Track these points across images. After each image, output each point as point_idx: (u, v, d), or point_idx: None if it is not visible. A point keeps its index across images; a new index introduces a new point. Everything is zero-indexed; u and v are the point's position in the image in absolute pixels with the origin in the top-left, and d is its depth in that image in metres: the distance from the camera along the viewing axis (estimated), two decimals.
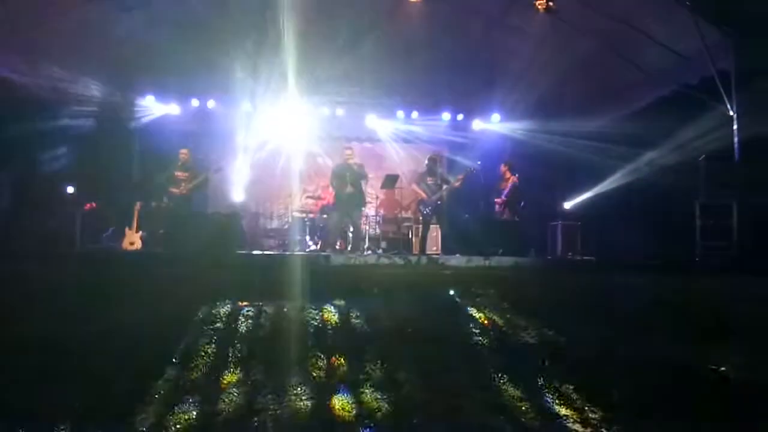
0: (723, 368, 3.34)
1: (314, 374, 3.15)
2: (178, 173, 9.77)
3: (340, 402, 2.80)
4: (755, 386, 3.18)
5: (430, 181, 10.01)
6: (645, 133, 9.45)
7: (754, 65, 7.72)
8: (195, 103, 12.27)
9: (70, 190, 10.87)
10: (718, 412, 2.85)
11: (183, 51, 10.30)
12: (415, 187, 10.38)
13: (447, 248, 10.27)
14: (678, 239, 8.54)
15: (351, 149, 10.00)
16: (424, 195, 9.97)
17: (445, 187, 9.94)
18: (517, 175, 10.32)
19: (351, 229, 10.26)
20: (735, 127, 8.10)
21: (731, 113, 8.16)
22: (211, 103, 12.27)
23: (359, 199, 9.84)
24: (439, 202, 9.96)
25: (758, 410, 2.90)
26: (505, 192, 10.28)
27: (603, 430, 2.54)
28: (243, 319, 4.36)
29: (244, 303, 4.78)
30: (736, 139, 8.06)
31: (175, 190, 9.67)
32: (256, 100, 12.08)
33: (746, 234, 7.70)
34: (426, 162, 10.35)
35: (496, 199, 10.42)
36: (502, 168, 10.55)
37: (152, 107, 12.12)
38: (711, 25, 8.09)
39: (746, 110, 7.96)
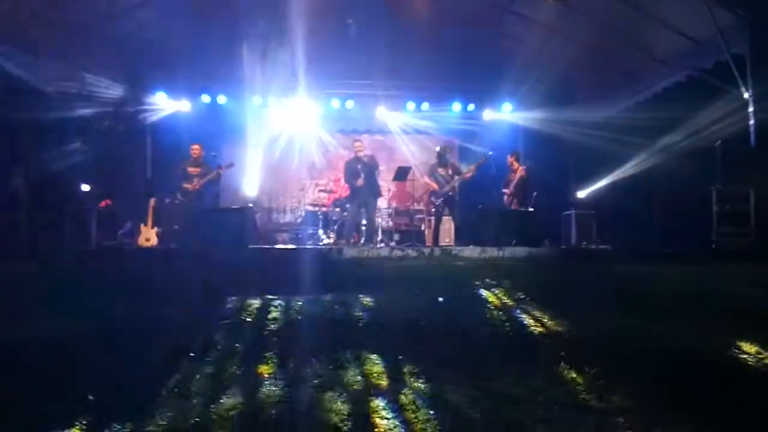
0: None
1: (330, 367, 3.16)
2: (191, 169, 9.84)
3: (354, 397, 2.80)
4: None
5: (441, 171, 9.93)
6: (659, 120, 9.33)
7: None
8: (205, 98, 12.30)
9: (85, 187, 10.97)
10: (739, 403, 2.81)
11: (192, 47, 10.33)
12: (426, 178, 10.33)
13: (460, 239, 10.23)
14: (694, 226, 8.44)
15: (360, 142, 10.01)
16: (435, 186, 9.91)
17: (456, 177, 9.88)
18: (524, 166, 10.24)
19: (364, 222, 10.26)
20: (751, 110, 7.98)
21: (747, 97, 8.04)
22: (221, 99, 12.29)
23: (374, 190, 9.84)
24: (450, 193, 9.90)
25: None
26: (513, 183, 10.21)
27: (621, 419, 2.52)
28: (257, 313, 4.39)
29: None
30: (752, 123, 7.94)
31: (187, 186, 9.73)
32: (267, 95, 12.10)
33: (764, 220, 7.58)
34: (437, 152, 10.29)
35: (504, 190, 10.36)
36: (509, 159, 10.46)
37: (163, 104, 12.18)
38: (724, 9, 7.96)
39: (762, 94, 7.83)
